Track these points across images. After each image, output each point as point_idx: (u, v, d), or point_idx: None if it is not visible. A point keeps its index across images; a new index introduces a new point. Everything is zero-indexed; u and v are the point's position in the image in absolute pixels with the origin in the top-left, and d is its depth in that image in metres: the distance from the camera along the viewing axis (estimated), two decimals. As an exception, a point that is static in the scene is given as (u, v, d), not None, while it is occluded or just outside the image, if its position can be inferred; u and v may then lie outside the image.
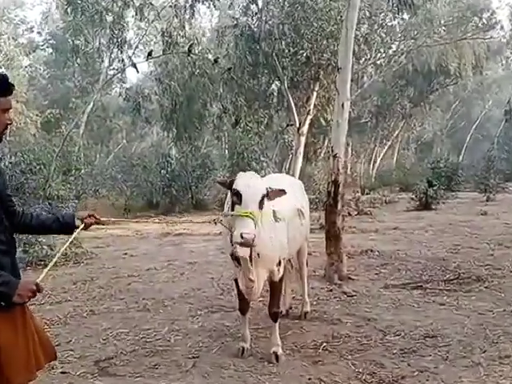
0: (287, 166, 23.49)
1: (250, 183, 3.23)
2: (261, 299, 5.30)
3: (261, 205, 3.21)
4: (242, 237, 2.98)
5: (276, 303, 3.90)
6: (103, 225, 2.64)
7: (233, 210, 3.23)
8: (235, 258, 3.48)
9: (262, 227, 3.40)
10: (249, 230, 3.00)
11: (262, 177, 4.25)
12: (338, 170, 6.50)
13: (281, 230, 3.75)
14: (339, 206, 6.52)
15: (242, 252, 3.26)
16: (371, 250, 8.07)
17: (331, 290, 5.88)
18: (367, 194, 21.91)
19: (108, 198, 17.55)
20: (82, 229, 2.56)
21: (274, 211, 3.69)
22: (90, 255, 8.40)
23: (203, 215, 15.56)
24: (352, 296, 5.57)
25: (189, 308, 5.26)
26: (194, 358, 3.90)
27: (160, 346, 4.16)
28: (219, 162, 20.77)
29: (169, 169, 17.50)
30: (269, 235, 3.56)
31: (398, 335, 4.27)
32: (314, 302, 5.32)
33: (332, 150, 6.60)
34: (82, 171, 18.04)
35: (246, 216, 3.06)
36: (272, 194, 3.37)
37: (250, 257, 3.38)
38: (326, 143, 24.56)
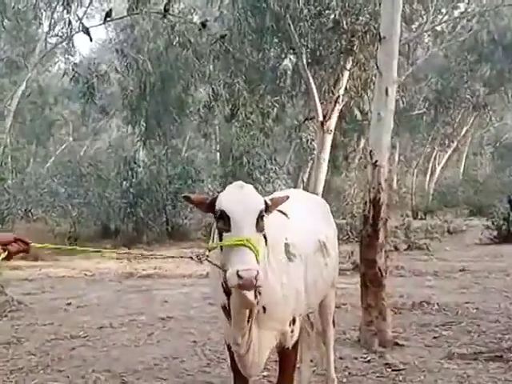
0: (305, 177, 23.63)
1: (238, 197, 3.19)
2: (265, 374, 5.27)
3: (259, 226, 3.17)
4: (238, 275, 2.97)
5: (288, 380, 3.85)
6: (33, 257, 2.61)
7: (221, 240, 3.19)
8: (226, 313, 3.46)
9: (267, 263, 3.39)
10: (248, 264, 2.99)
11: (268, 193, 4.24)
12: (380, 183, 6.51)
13: (296, 272, 3.72)
14: (381, 237, 6.50)
15: (248, 301, 3.24)
16: (427, 303, 8.01)
17: (369, 361, 5.81)
18: (422, 218, 21.95)
19: (45, 221, 17.56)
20: (3, 258, 2.56)
21: (286, 245, 3.68)
22: (16, 305, 8.34)
23: (183, 248, 15.58)
24: (399, 370, 5.50)
25: (159, 386, 5.21)
26: None
27: None
28: (207, 170, 20.90)
29: (134, 180, 17.58)
30: (279, 280, 3.54)
31: (467, 430, 4.22)
32: (344, 379, 5.26)
33: (371, 155, 6.61)
34: (9, 182, 18.10)
35: (241, 245, 3.05)
36: (273, 204, 3.35)
37: (251, 310, 3.36)
38: (361, 145, 24.75)
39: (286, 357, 3.79)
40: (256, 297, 3.36)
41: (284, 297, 3.57)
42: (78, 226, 17.43)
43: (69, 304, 8.70)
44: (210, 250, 3.32)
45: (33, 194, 18.63)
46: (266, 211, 3.27)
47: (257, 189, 3.50)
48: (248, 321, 3.39)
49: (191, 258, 3.54)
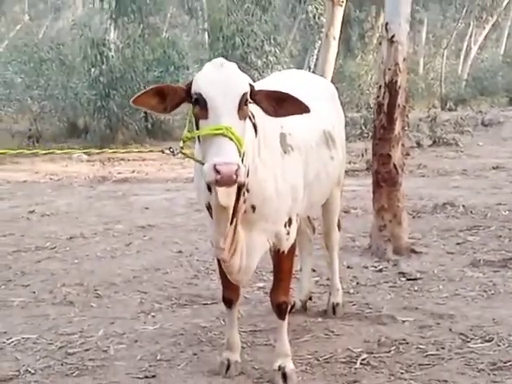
0: (312, 61, 23.30)
1: (217, 77, 3.21)
2: (261, 285, 5.52)
3: (242, 112, 3.21)
4: (216, 170, 3.03)
5: (284, 290, 4.04)
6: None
7: (198, 129, 3.24)
8: (211, 213, 3.57)
9: (257, 156, 3.47)
10: (227, 157, 3.03)
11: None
12: (397, 63, 6.52)
13: (293, 166, 3.81)
14: (397, 128, 6.58)
15: (223, 198, 3.31)
16: (452, 205, 8.24)
17: (380, 271, 6.06)
18: (452, 109, 21.88)
19: (0, 118, 17.51)
20: None
21: (281, 135, 3.75)
22: (-30, 215, 8.57)
23: (165, 147, 15.58)
24: (415, 279, 5.74)
25: (140, 300, 5.45)
26: (146, 377, 4.09)
27: (91, 361, 4.34)
28: (193, 54, 20.60)
29: (104, 66, 17.39)
30: (272, 175, 3.63)
31: (488, 341, 4.44)
32: (351, 290, 5.52)
33: (386, 29, 6.58)
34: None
35: (219, 134, 3.08)
36: (261, 95, 3.35)
37: (235, 210, 3.44)
38: (381, 20, 24.24)
39: (281, 262, 3.96)
40: (243, 195, 3.46)
41: (277, 194, 3.67)
42: (40, 123, 17.40)
43: (32, 212, 8.91)
44: (184, 141, 3.38)
45: (-17, 86, 18.52)
46: (251, 96, 3.29)
47: (252, 76, 3.49)
48: (232, 221, 3.48)
49: (162, 151, 3.63)
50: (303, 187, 3.92)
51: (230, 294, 4.12)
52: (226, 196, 3.31)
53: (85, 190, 10.66)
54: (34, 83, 17.65)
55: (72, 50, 18.86)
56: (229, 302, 4.14)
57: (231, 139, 3.06)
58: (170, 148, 3.48)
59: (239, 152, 3.10)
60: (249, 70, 16.25)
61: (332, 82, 14.51)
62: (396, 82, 6.53)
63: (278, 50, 18.73)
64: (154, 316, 5.08)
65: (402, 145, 6.76)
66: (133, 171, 12.67)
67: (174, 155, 3.48)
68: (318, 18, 20.91)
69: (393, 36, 6.51)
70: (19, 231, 7.84)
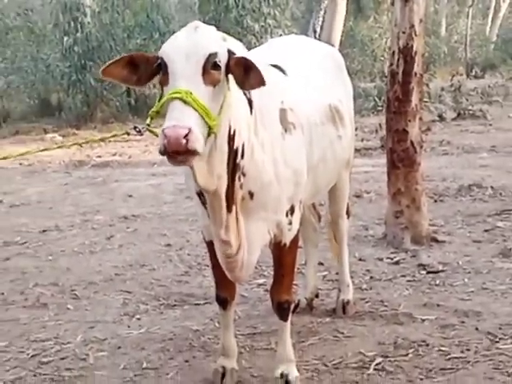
0: (318, 23, 23.21)
1: (185, 40, 3.18)
2: (261, 282, 5.55)
3: (208, 76, 3.13)
4: (164, 135, 2.93)
5: (287, 287, 4.06)
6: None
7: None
8: (203, 200, 3.57)
9: (253, 135, 3.49)
10: (177, 120, 2.96)
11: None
12: (412, 26, 6.50)
13: (295, 146, 3.83)
14: (414, 100, 6.57)
15: (200, 177, 3.28)
16: (479, 186, 8.23)
17: (397, 263, 6.06)
18: (478, 77, 21.76)
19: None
20: None
21: (282, 111, 3.76)
22: None
23: (153, 126, 15.51)
24: (437, 272, 5.74)
25: (123, 300, 5.47)
26: (131, 389, 4.13)
27: (68, 370, 4.35)
28: (181, 17, 20.52)
29: (79, 34, 17.33)
30: (271, 156, 3.65)
31: (520, 341, 4.45)
32: (364, 285, 5.52)
33: (400, -15, 6.56)
34: None
35: (176, 98, 3.00)
36: (233, 62, 3.24)
37: (229, 196, 3.44)
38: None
39: (282, 256, 3.98)
40: (239, 179, 3.47)
41: (278, 178, 3.70)
42: (7, 100, 17.35)
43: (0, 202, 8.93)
44: (152, 117, 3.34)
45: None
46: (230, 63, 3.20)
47: (249, 42, 3.43)
48: (229, 209, 3.51)
49: (127, 133, 3.54)
50: (307, 170, 3.94)
51: (224, 293, 4.12)
52: (205, 175, 3.29)
53: (60, 177, 10.66)
54: (-1, 55, 17.63)
55: (42, 15, 18.77)
56: (223, 301, 4.14)
57: (189, 104, 2.99)
58: (136, 127, 3.41)
59: (205, 122, 3.04)
60: (245, 35, 16.20)
61: (341, 47, 14.59)
62: (411, 46, 6.52)
63: (277, 12, 18.69)
64: (139, 319, 5.09)
65: (420, 119, 6.77)
66: (114, 154, 12.68)
67: (141, 135, 3.42)
68: (324, -26, 20.79)
69: (407, -8, 6.49)
70: (-15, 224, 7.83)
